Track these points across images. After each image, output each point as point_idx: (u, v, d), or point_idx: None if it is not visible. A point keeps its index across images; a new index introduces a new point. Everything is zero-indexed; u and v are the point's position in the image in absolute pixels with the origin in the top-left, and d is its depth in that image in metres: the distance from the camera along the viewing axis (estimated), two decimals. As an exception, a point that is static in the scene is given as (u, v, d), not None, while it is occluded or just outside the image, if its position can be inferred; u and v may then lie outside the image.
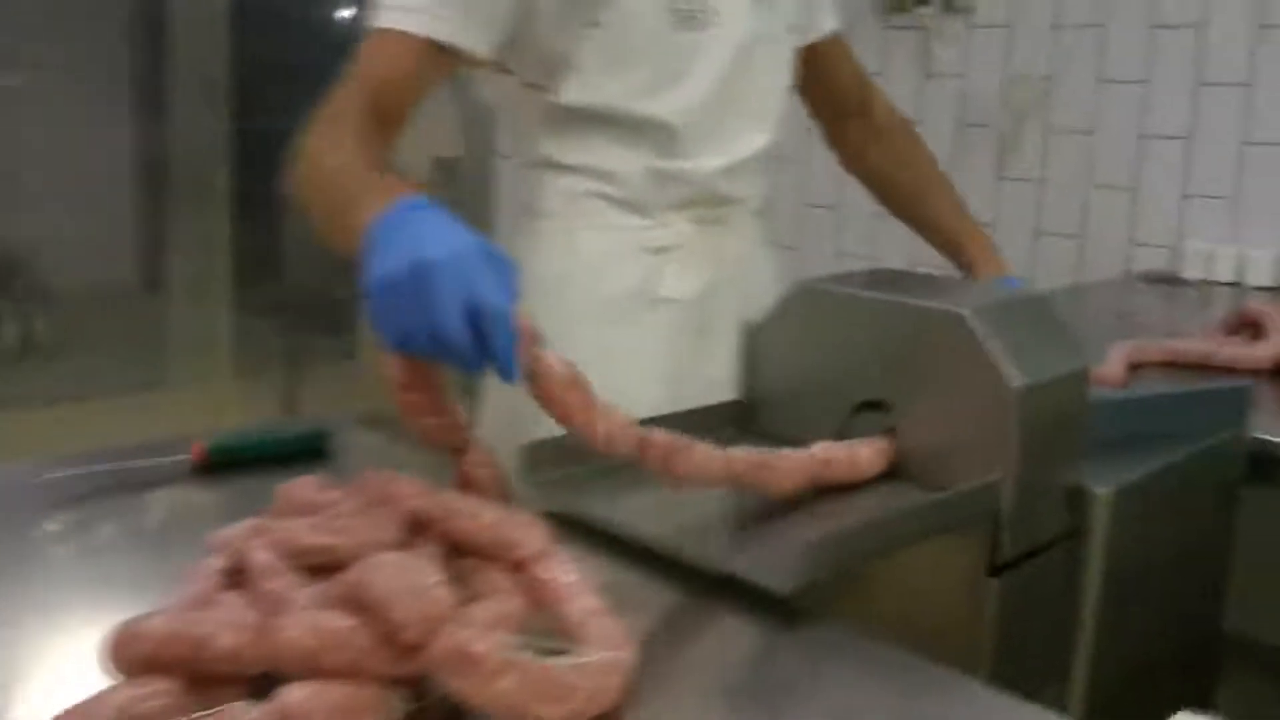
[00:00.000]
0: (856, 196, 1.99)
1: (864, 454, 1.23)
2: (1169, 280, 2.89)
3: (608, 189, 1.49)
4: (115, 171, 4.30)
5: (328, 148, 1.32)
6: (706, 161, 1.52)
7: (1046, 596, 1.29)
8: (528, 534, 0.95)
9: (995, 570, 1.21)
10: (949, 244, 1.85)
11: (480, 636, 0.77)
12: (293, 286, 4.75)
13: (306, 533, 0.95)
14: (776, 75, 1.65)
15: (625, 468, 1.18)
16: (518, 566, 0.95)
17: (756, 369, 1.39)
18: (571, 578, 0.92)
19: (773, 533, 1.13)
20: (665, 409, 1.36)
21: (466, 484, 1.08)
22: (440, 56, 1.40)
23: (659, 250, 1.52)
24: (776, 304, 1.35)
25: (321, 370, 4.61)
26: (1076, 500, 1.29)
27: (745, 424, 1.41)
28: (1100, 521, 1.29)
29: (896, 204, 1.89)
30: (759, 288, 1.62)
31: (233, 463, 1.33)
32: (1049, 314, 1.28)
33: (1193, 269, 2.90)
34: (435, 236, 1.00)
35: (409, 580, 0.80)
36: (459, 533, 0.97)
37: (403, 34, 1.39)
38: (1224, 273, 2.86)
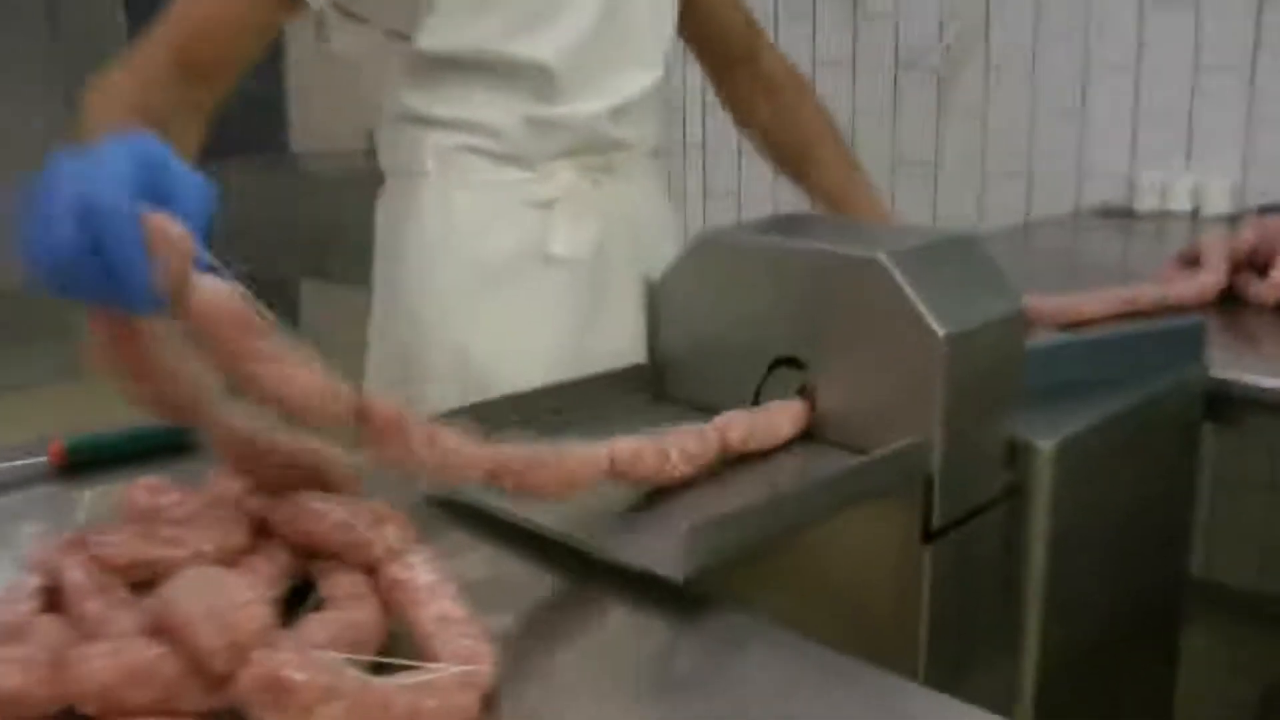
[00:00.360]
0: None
1: (766, 422, 1.12)
2: (1122, 214, 2.79)
3: (483, 142, 1.36)
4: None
5: (102, 104, 1.18)
6: (588, 105, 1.39)
7: (987, 562, 1.18)
8: (380, 531, 0.84)
9: (928, 537, 1.10)
10: (836, 209, 1.71)
11: (297, 660, 0.65)
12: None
13: (129, 545, 0.83)
14: (660, 7, 1.51)
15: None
16: (370, 568, 0.84)
17: (662, 329, 1.27)
18: (428, 578, 0.81)
19: (674, 512, 1.02)
20: (561, 377, 1.25)
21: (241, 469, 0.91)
22: (271, 2, 1.27)
23: (544, 204, 1.39)
24: (678, 258, 1.23)
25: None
26: (1016, 456, 1.18)
27: (656, 389, 1.29)
28: (1043, 478, 1.18)
29: (784, 164, 1.74)
30: (659, 241, 1.49)
31: (95, 462, 1.21)
32: (977, 254, 1.17)
33: (1147, 201, 2.79)
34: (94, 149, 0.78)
35: (216, 599, 0.69)
36: (305, 534, 0.86)
37: None
38: (1180, 203, 2.75)
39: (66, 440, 1.21)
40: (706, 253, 1.21)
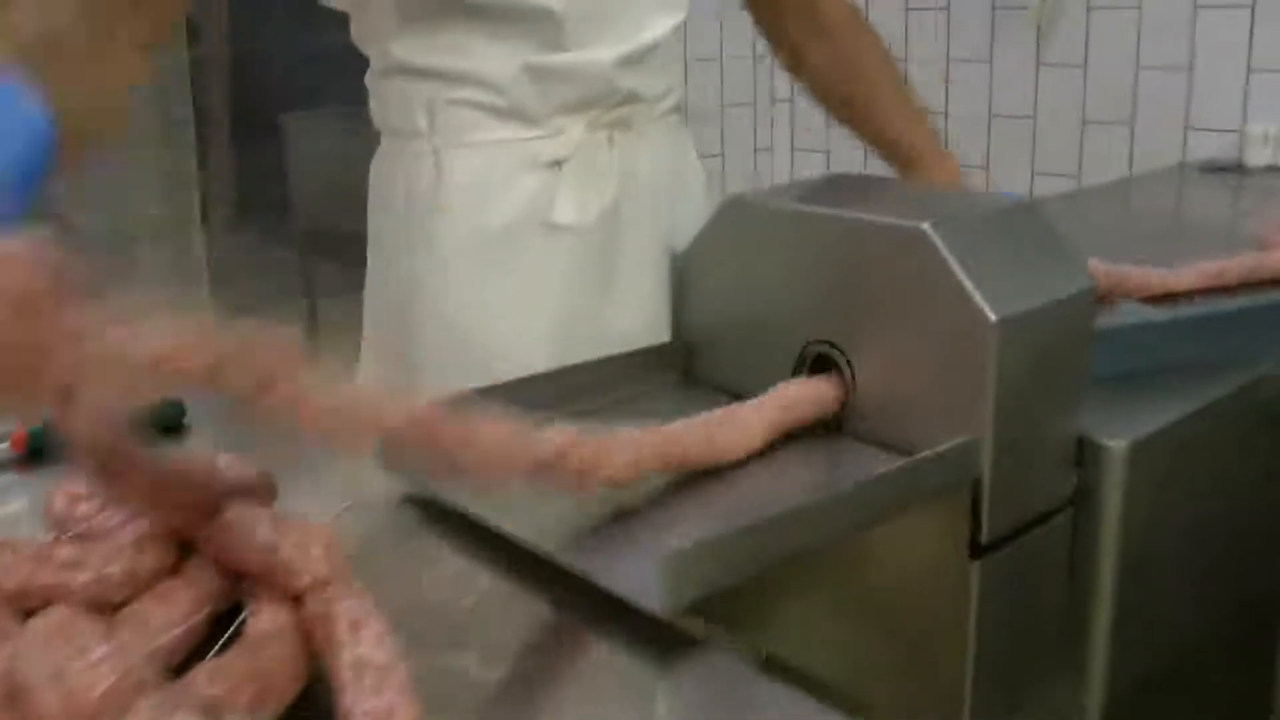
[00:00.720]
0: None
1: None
2: (1232, 169, 2.58)
3: (481, 95, 1.21)
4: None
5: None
6: (599, 52, 1.22)
7: (1046, 581, 1.04)
8: (307, 557, 0.71)
9: (977, 551, 0.96)
10: (898, 159, 1.51)
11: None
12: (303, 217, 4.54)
13: (18, 567, 0.72)
14: None
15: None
16: (297, 599, 0.72)
17: (689, 305, 1.13)
18: (354, 615, 0.69)
19: (675, 520, 0.89)
20: (572, 357, 1.12)
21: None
22: None
23: (549, 165, 1.23)
24: (705, 225, 1.09)
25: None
26: (1083, 457, 1.03)
27: (686, 370, 1.16)
28: (1114, 482, 1.03)
29: (841, 114, 1.54)
30: (683, 206, 1.33)
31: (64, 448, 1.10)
32: (1039, 225, 1.02)
33: (1259, 155, 2.58)
34: None
35: (60, 657, 0.57)
36: (230, 558, 0.74)
37: None
38: (1295, 158, 2.54)
39: (28, 427, 1.10)
40: (733, 220, 1.07)
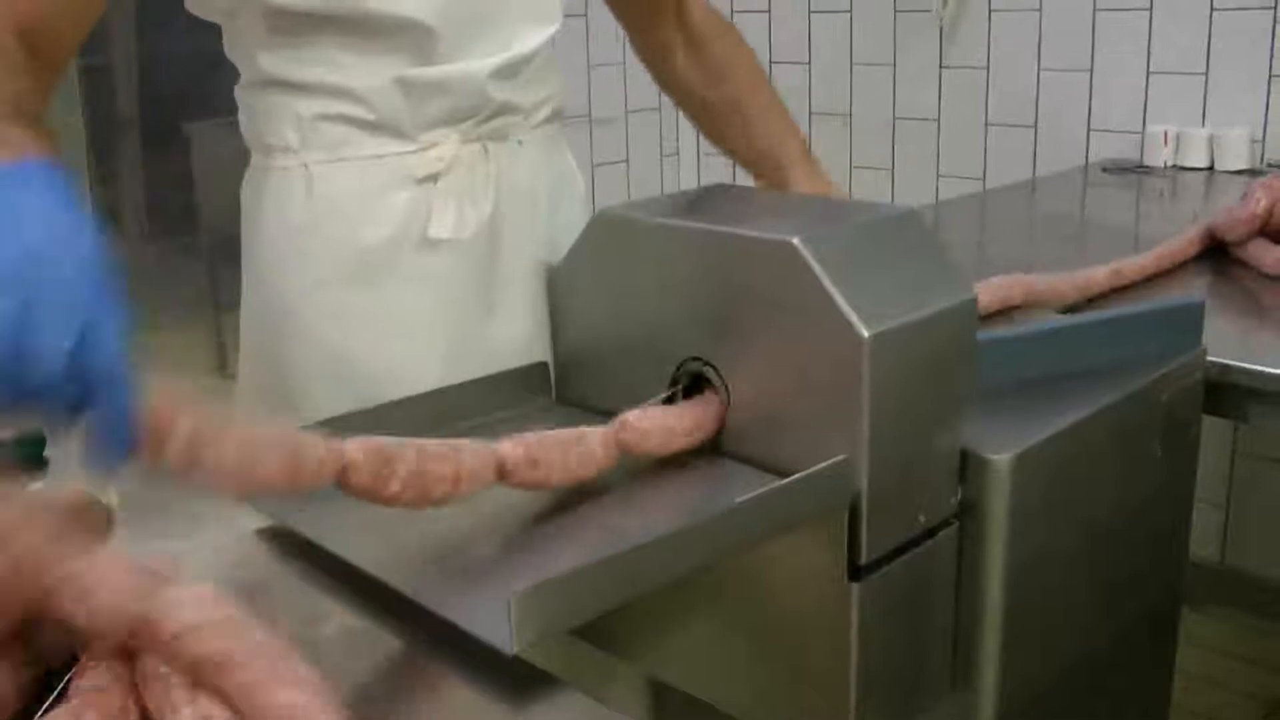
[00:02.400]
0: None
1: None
2: (1133, 170, 2.59)
3: (351, 109, 1.16)
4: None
5: None
6: (472, 64, 1.19)
7: (932, 596, 1.01)
8: (145, 604, 0.67)
9: (856, 573, 0.93)
10: (767, 169, 1.46)
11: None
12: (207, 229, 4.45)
13: None
14: None
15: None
16: (128, 655, 0.67)
17: (563, 324, 1.10)
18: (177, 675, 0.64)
19: (535, 553, 0.85)
20: (458, 376, 1.09)
21: None
22: None
23: (423, 180, 1.19)
24: (577, 241, 1.06)
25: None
26: (966, 471, 1.01)
27: (560, 391, 1.13)
28: (999, 496, 1.01)
29: (708, 127, 1.51)
30: (562, 218, 1.30)
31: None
32: (917, 236, 0.99)
33: (1159, 156, 2.59)
34: (44, 228, 0.70)
35: None
36: (64, 614, 0.68)
37: None
38: (1195, 158, 2.55)
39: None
40: (603, 235, 1.04)
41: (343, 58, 1.14)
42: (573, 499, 0.93)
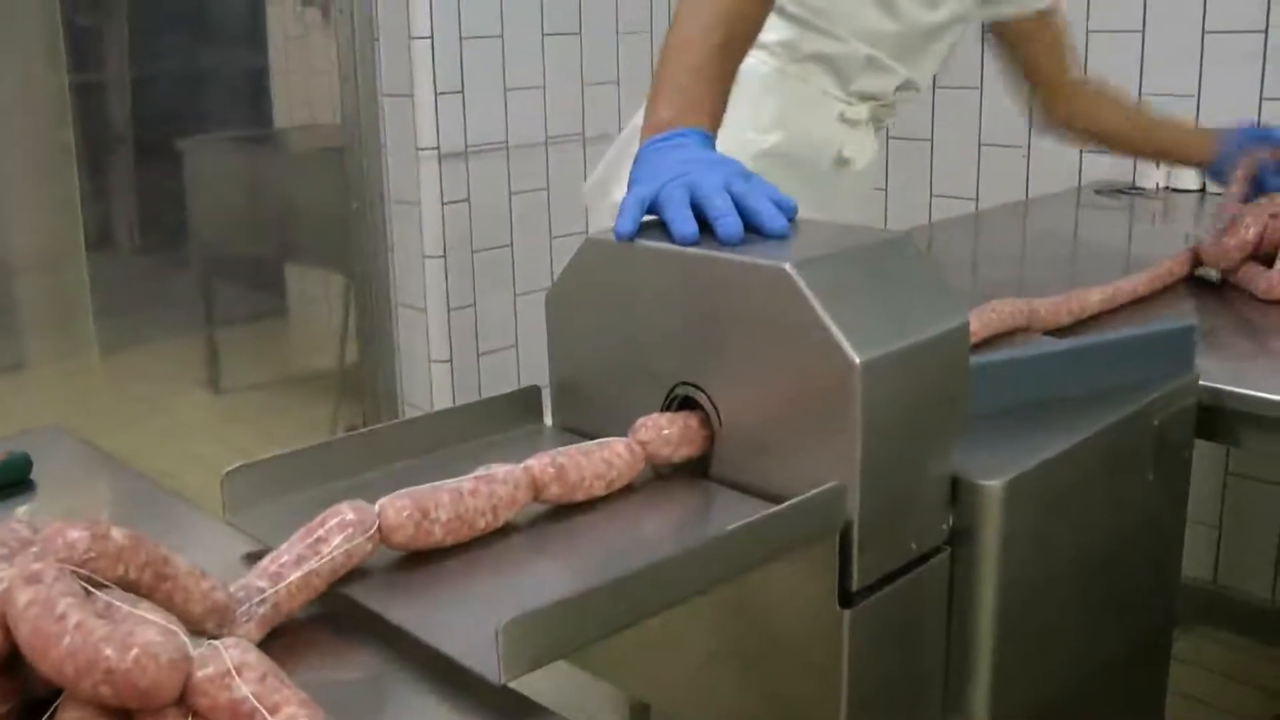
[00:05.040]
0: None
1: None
2: (1127, 191, 2.59)
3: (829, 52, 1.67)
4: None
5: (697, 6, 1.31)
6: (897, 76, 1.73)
7: (924, 622, 1.01)
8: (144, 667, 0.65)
9: (847, 599, 0.93)
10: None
11: None
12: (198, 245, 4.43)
13: None
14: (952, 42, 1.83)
15: (351, 490, 0.90)
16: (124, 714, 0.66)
17: (557, 348, 1.10)
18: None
19: (523, 578, 0.85)
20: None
21: None
22: None
23: (845, 122, 1.71)
24: (568, 265, 1.06)
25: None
26: (958, 497, 1.00)
27: (557, 415, 1.12)
28: (990, 522, 1.01)
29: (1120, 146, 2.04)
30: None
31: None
32: (911, 261, 0.99)
33: (1151, 177, 2.59)
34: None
35: None
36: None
37: None
38: (1187, 180, 2.55)
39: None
40: (597, 260, 1.04)
41: (849, 27, 1.65)
42: (563, 523, 0.93)
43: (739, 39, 1.34)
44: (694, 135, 1.18)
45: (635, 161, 1.17)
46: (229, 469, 0.93)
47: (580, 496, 0.93)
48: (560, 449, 0.93)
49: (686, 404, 0.99)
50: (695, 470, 0.99)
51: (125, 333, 4.39)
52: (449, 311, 3.11)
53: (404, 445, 1.03)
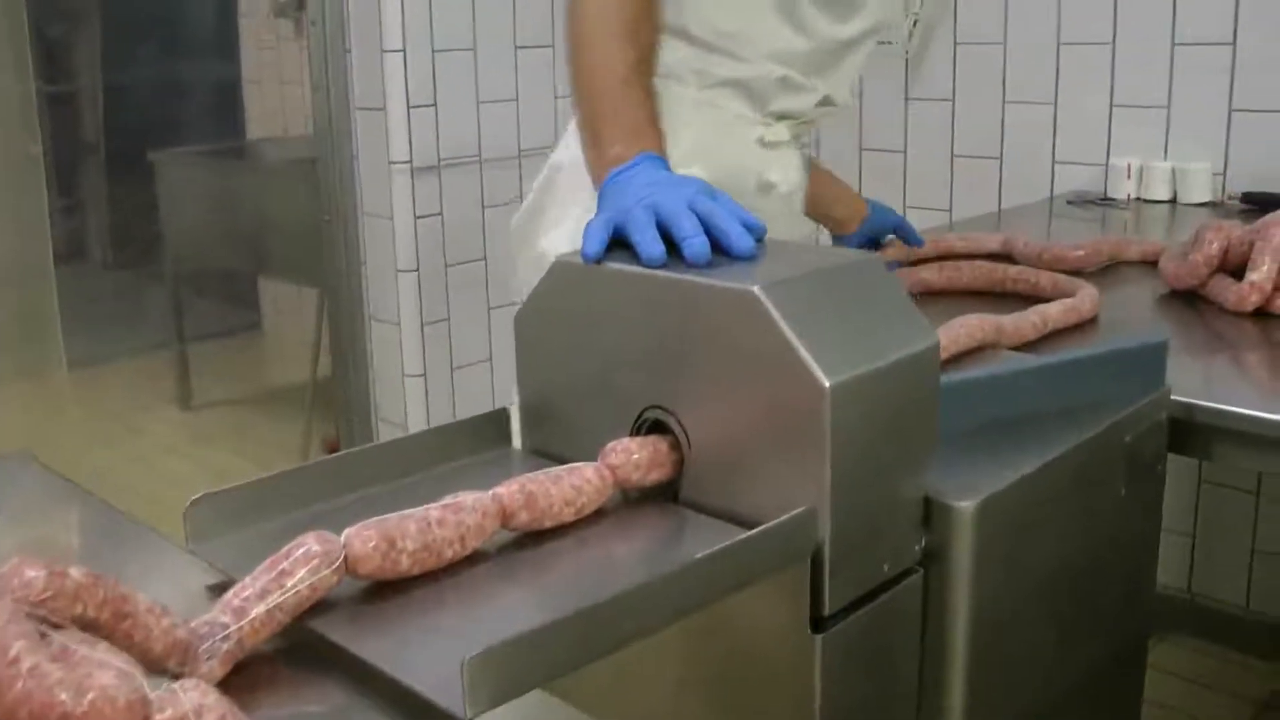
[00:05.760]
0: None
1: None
2: (1098, 202, 2.60)
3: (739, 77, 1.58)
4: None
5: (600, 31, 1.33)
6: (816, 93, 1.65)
7: (897, 644, 1.00)
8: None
9: (819, 624, 0.92)
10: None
11: None
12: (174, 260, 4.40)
13: None
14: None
15: (318, 518, 0.89)
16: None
17: (526, 371, 1.09)
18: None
19: (488, 608, 0.84)
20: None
21: None
22: None
23: (765, 145, 1.62)
24: (537, 288, 1.05)
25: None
26: (930, 518, 1.00)
27: (526, 438, 1.11)
28: (963, 543, 1.00)
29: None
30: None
31: None
32: (880, 282, 0.99)
33: (1122, 188, 2.60)
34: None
35: None
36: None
37: None
38: (1158, 190, 2.57)
39: None
40: (565, 282, 1.03)
41: (757, 46, 1.55)
42: (532, 550, 0.92)
43: (647, 50, 1.36)
44: (648, 160, 1.19)
45: (600, 198, 1.18)
46: (193, 499, 0.91)
47: (549, 523, 0.92)
48: (529, 475, 0.92)
49: (656, 427, 0.98)
50: (665, 494, 0.98)
51: (95, 348, 4.36)
52: (422, 326, 3.09)
53: (371, 471, 1.02)
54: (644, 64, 1.34)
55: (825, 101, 1.66)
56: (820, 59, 1.61)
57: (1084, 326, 1.55)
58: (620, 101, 1.29)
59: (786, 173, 1.66)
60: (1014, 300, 1.67)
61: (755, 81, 1.58)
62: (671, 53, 1.43)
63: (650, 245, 0.98)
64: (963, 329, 1.33)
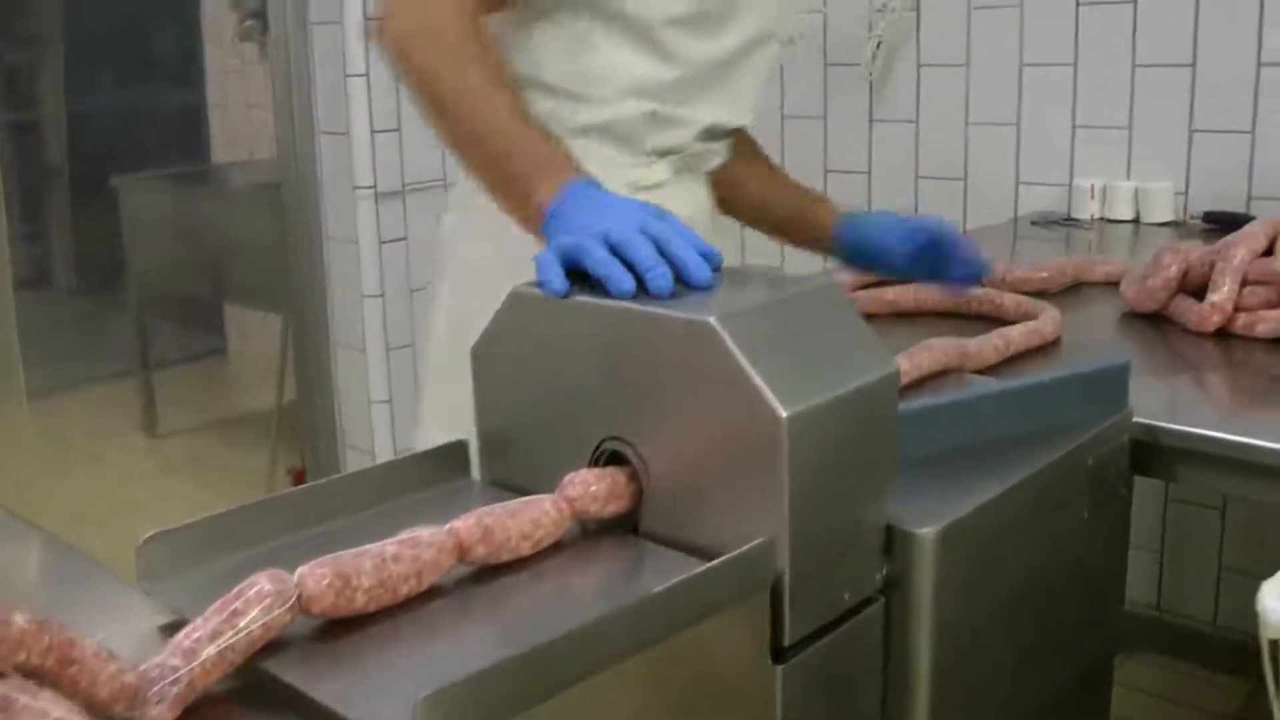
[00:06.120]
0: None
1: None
2: (1062, 222, 2.61)
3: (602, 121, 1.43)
4: None
5: (440, 52, 1.26)
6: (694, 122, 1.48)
7: (859, 672, 1.00)
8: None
9: (780, 655, 0.92)
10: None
11: None
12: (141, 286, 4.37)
13: None
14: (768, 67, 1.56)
15: (273, 554, 0.88)
16: None
17: (485, 401, 1.08)
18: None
19: (443, 644, 0.83)
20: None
21: None
22: None
23: (644, 189, 1.43)
24: (494, 318, 1.04)
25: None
26: (891, 546, 0.99)
27: (485, 470, 1.10)
28: (924, 570, 1.00)
29: (775, 224, 1.72)
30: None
31: None
32: (838, 310, 0.98)
33: (1086, 208, 2.61)
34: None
35: None
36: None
37: None
38: (1121, 210, 2.58)
39: None
40: (522, 313, 1.02)
41: (615, 85, 1.40)
42: (489, 584, 0.91)
43: (501, 61, 1.30)
44: (580, 186, 1.14)
45: (550, 235, 1.10)
46: (145, 537, 0.90)
47: (506, 556, 0.91)
48: (486, 508, 0.91)
49: (615, 459, 0.98)
50: (624, 526, 0.97)
51: (56, 376, 4.32)
52: (388, 351, 3.08)
53: (328, 506, 1.01)
54: (513, 84, 1.27)
55: (713, 130, 1.50)
56: (693, 85, 1.44)
57: (1046, 349, 1.55)
58: (528, 138, 1.21)
59: (681, 209, 1.40)
60: (979, 321, 1.67)
61: (618, 124, 1.43)
62: (530, 106, 1.30)
63: (621, 280, 0.96)
64: (926, 354, 1.33)
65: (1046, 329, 1.56)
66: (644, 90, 1.42)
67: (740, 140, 1.63)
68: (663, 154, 1.47)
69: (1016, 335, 1.50)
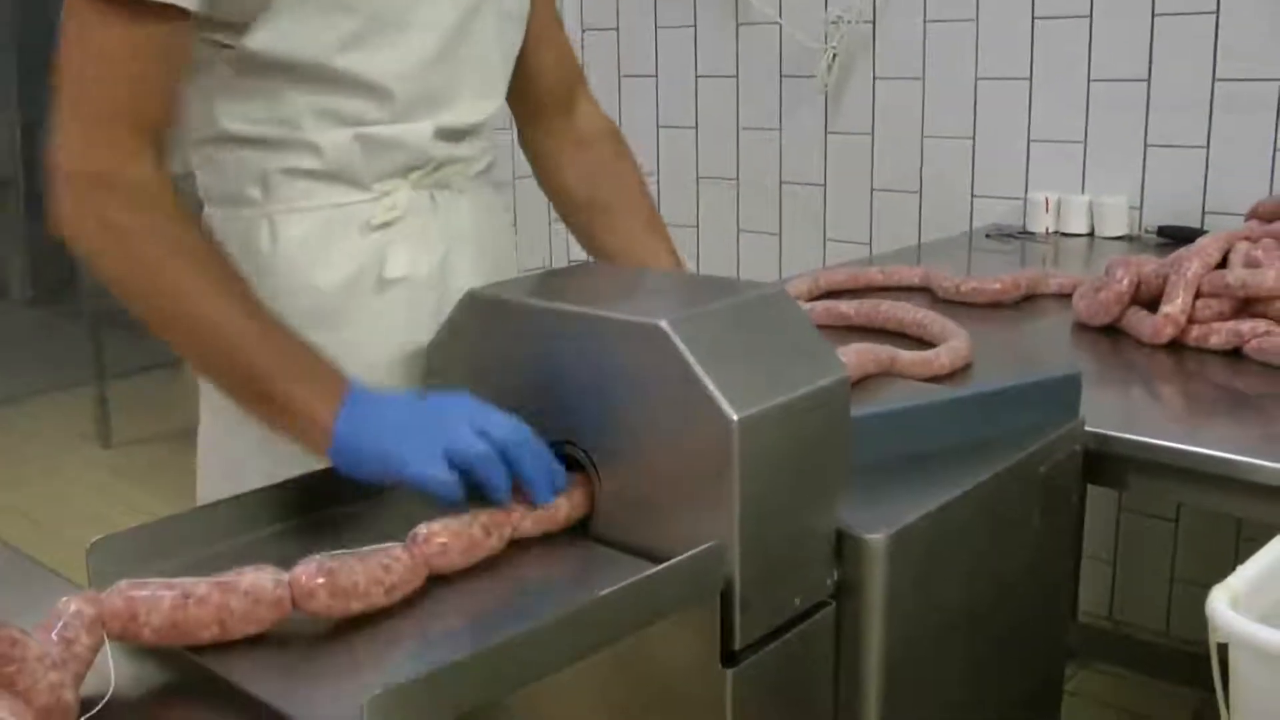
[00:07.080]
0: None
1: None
2: (1017, 235, 2.63)
3: (311, 163, 1.20)
4: None
5: (136, 225, 1.08)
6: (423, 125, 1.24)
7: (810, 677, 1.00)
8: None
9: (730, 659, 0.91)
10: None
11: None
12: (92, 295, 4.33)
13: None
14: (506, 37, 1.34)
15: (218, 561, 0.87)
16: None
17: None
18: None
19: (389, 650, 0.82)
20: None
21: None
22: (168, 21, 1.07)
23: (379, 227, 1.23)
24: (446, 321, 1.04)
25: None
26: (842, 551, 1.00)
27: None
28: (875, 575, 1.00)
29: (579, 226, 1.50)
30: (505, 265, 1.37)
31: None
32: (790, 315, 0.98)
33: (1040, 221, 2.63)
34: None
35: None
36: None
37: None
38: (1076, 224, 2.60)
39: None
40: (474, 315, 1.02)
41: (304, 117, 1.18)
42: (441, 586, 0.90)
43: (203, 232, 1.18)
44: (357, 398, 1.01)
45: (335, 457, 0.99)
46: (93, 540, 0.89)
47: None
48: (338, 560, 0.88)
49: (565, 463, 0.97)
50: (576, 529, 0.97)
51: (11, 386, 4.28)
52: (345, 360, 3.06)
53: (273, 511, 1.00)
54: (220, 254, 1.11)
55: (448, 131, 1.26)
56: (413, 86, 1.22)
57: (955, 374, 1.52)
58: (285, 350, 1.06)
59: (420, 250, 1.26)
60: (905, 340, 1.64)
61: (327, 156, 1.20)
62: (222, 156, 1.20)
63: (500, 492, 0.94)
64: (862, 354, 1.34)
65: (942, 359, 1.49)
66: (346, 115, 1.21)
67: (602, 169, 1.50)
68: (404, 174, 1.26)
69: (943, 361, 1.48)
